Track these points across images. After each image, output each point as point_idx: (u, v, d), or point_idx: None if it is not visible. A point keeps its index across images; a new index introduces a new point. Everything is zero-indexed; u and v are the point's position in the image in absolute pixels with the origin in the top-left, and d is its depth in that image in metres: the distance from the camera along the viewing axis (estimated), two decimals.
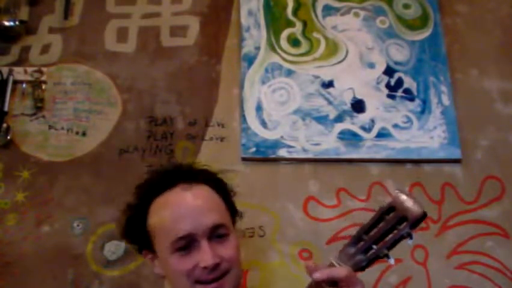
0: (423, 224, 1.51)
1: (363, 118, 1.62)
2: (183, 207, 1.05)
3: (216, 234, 1.04)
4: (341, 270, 0.86)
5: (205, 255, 1.00)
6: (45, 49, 1.69)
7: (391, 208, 0.87)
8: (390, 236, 0.86)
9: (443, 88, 1.66)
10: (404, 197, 0.86)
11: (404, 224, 0.84)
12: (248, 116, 1.60)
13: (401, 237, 0.85)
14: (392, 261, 0.86)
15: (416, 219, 0.84)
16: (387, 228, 0.86)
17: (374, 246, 0.87)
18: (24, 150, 1.57)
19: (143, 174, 1.52)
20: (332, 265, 0.89)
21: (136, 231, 1.11)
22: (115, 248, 1.47)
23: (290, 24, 1.72)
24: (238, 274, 1.07)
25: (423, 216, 0.84)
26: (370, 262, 0.87)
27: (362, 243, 0.88)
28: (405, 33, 1.73)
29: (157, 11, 1.75)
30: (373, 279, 1.46)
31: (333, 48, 1.70)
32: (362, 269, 0.88)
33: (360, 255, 0.88)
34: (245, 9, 1.73)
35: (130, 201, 1.14)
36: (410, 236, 0.84)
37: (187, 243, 1.02)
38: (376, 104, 1.64)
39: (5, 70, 1.63)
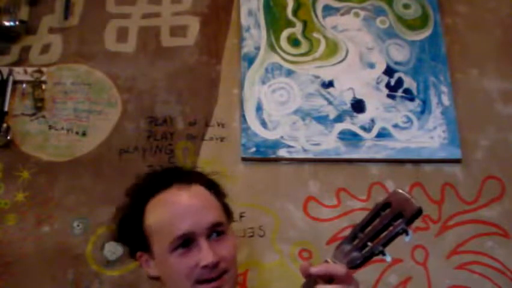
0: (422, 224, 1.53)
1: (363, 118, 1.62)
2: (181, 206, 1.05)
3: (215, 232, 1.04)
4: (339, 267, 0.85)
5: (205, 254, 0.99)
6: (45, 49, 1.69)
7: (387, 204, 0.86)
8: (386, 232, 0.84)
9: (443, 88, 1.66)
10: (399, 193, 0.85)
11: (400, 220, 0.83)
12: (248, 116, 1.60)
13: (397, 234, 0.83)
14: (388, 258, 0.84)
15: (412, 215, 0.83)
16: (382, 224, 0.85)
17: (369, 244, 0.85)
18: (24, 150, 1.57)
19: (142, 174, 1.53)
20: (327, 263, 0.89)
21: (131, 233, 1.09)
22: (115, 248, 1.47)
23: (290, 24, 1.72)
24: (235, 274, 1.06)
25: (419, 212, 0.83)
26: (365, 259, 0.86)
27: (357, 240, 0.87)
28: (405, 33, 1.73)
29: (157, 11, 1.75)
30: (373, 279, 1.46)
31: (333, 48, 1.70)
32: (357, 266, 0.86)
33: (355, 253, 0.86)
34: (245, 9, 1.73)
35: (123, 203, 1.14)
36: (406, 232, 0.83)
37: (185, 242, 1.01)
38: (376, 104, 1.64)
39: (5, 70, 1.63)
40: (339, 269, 0.85)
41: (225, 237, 1.06)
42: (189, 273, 1.00)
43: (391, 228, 0.84)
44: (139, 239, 1.07)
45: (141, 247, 1.08)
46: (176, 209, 1.04)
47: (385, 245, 0.85)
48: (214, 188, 1.13)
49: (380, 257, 0.85)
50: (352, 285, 0.86)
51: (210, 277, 1.00)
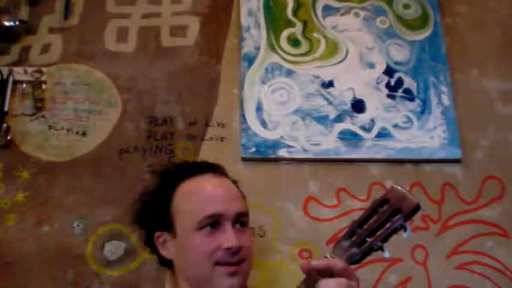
0: (422, 224, 1.53)
1: (363, 118, 1.62)
2: (215, 190, 1.12)
3: (239, 222, 1.10)
4: (338, 262, 0.87)
5: (229, 236, 1.06)
6: (45, 49, 1.69)
7: (385, 201, 0.86)
8: (384, 228, 0.85)
9: (443, 88, 1.66)
10: (397, 189, 0.86)
11: (398, 216, 0.84)
12: (248, 116, 1.60)
13: (395, 230, 0.84)
14: (386, 254, 0.85)
15: (410, 211, 0.84)
16: (381, 220, 0.86)
17: (368, 239, 0.86)
18: (24, 150, 1.57)
19: (143, 174, 1.54)
20: (326, 258, 0.89)
21: (157, 210, 1.14)
22: (115, 248, 1.47)
23: (290, 24, 1.72)
24: (250, 267, 1.12)
25: (417, 207, 0.84)
26: (364, 255, 0.87)
27: (355, 236, 0.88)
28: (405, 33, 1.73)
29: (157, 11, 1.75)
30: (373, 279, 1.46)
31: (333, 48, 1.70)
32: (356, 262, 0.87)
33: (354, 249, 0.87)
34: (245, 9, 1.73)
35: (151, 184, 1.21)
36: (404, 228, 0.84)
37: (213, 224, 1.07)
38: (376, 104, 1.64)
39: (5, 70, 1.63)
40: (338, 263, 0.86)
41: (247, 229, 1.13)
42: (211, 254, 1.05)
43: (389, 224, 0.85)
44: (163, 218, 1.13)
45: (162, 227, 1.13)
46: (211, 191, 1.11)
47: (384, 240, 0.86)
48: (238, 187, 1.21)
49: (378, 252, 0.86)
50: (353, 281, 0.87)
51: (230, 261, 1.05)
